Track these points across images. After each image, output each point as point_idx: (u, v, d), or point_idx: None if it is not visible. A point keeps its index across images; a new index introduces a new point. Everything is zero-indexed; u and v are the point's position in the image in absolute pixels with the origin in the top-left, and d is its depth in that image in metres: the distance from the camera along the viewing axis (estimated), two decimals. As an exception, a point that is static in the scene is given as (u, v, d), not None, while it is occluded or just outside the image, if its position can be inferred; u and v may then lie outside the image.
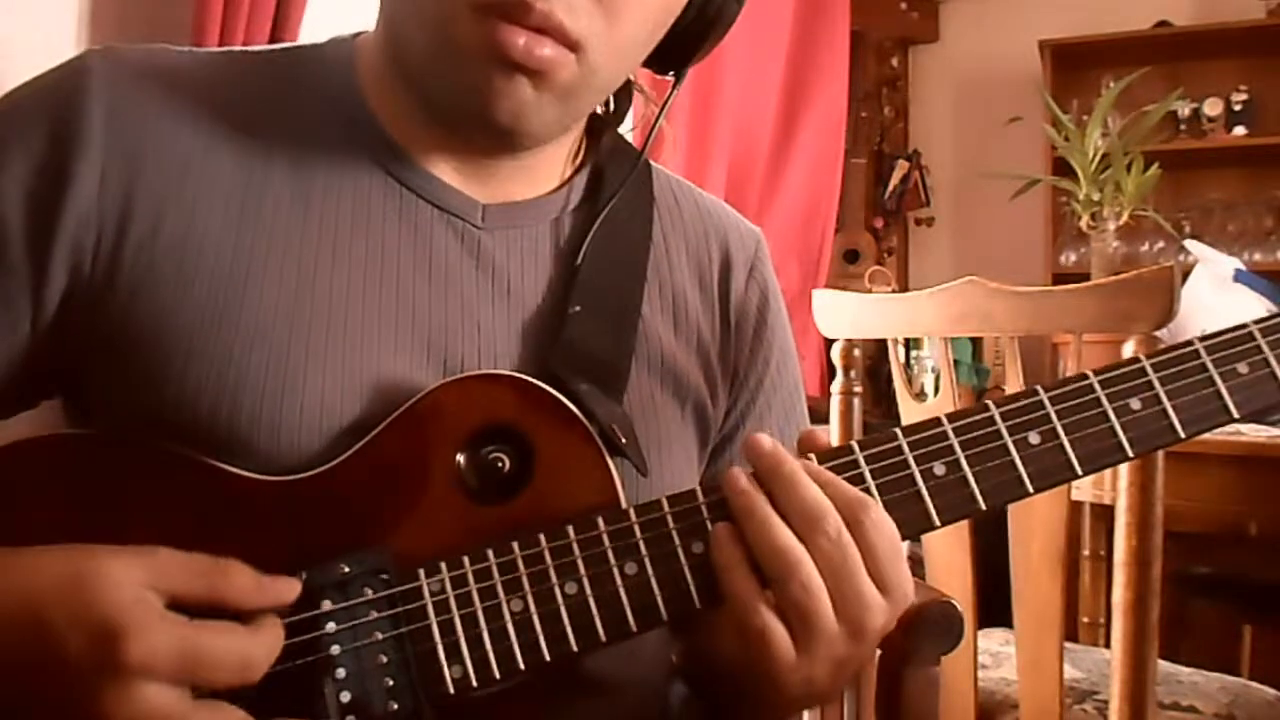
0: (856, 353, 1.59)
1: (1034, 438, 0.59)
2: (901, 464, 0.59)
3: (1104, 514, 1.82)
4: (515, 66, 0.59)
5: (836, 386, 1.60)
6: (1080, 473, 0.59)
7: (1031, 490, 0.59)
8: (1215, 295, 2.08)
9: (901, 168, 3.64)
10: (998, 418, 0.59)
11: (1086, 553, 1.94)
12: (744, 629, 0.55)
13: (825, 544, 0.55)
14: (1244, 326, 0.61)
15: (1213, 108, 3.31)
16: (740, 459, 0.75)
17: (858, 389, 1.59)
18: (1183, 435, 0.60)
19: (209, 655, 0.50)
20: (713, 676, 0.71)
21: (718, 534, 0.57)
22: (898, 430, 0.59)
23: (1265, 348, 0.61)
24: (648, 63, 0.73)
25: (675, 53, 0.71)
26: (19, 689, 0.50)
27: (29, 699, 0.50)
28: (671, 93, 0.74)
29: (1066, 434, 0.59)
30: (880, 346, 2.67)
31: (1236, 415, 0.60)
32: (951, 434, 0.59)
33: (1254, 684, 1.55)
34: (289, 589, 0.54)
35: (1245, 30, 3.28)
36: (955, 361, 2.00)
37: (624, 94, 0.77)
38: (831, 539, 0.55)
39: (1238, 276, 2.12)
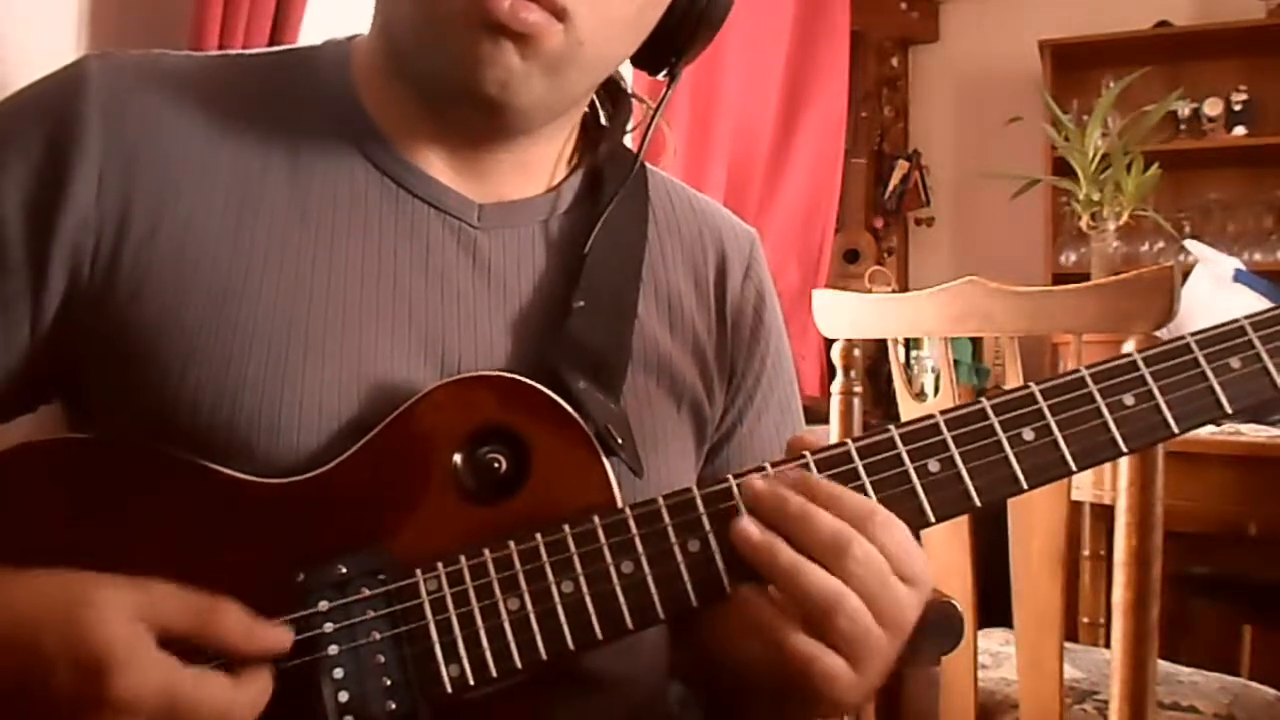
0: (856, 353, 1.58)
1: (1028, 434, 0.59)
2: (896, 461, 0.59)
3: (1104, 514, 1.82)
4: (501, 30, 0.59)
5: (836, 386, 1.59)
6: (1075, 468, 0.59)
7: (1026, 486, 0.59)
8: (1215, 295, 2.08)
9: (901, 168, 3.64)
10: (991, 414, 0.59)
11: (1086, 553, 1.94)
12: (809, 676, 0.55)
13: (856, 568, 0.55)
14: (1236, 322, 0.61)
15: (1213, 108, 3.31)
16: (737, 460, 0.75)
17: (858, 389, 1.59)
18: (1176, 430, 0.60)
19: (193, 701, 0.50)
20: (728, 683, 0.71)
21: (747, 598, 0.56)
22: (892, 427, 0.59)
23: (1257, 343, 0.61)
24: (641, 63, 0.73)
25: (667, 49, 0.71)
26: (5, 713, 0.50)
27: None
28: (667, 92, 0.74)
29: (1060, 430, 0.59)
30: (880, 346, 2.67)
31: (1229, 410, 0.60)
32: (945, 431, 0.59)
33: (1254, 684, 1.55)
34: (281, 638, 0.54)
35: (1245, 30, 3.28)
36: (955, 361, 2.00)
37: (622, 102, 0.77)
38: (860, 561, 0.55)
39: (1238, 276, 2.11)
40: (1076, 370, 0.60)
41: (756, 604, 0.56)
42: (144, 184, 0.62)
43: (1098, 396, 0.60)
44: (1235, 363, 0.60)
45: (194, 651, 0.52)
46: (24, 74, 0.66)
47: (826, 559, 0.55)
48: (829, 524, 0.55)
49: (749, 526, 0.56)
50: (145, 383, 0.60)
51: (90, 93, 0.62)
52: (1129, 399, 0.60)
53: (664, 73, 0.74)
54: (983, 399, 0.60)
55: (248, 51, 0.73)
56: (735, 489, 0.58)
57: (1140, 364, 0.60)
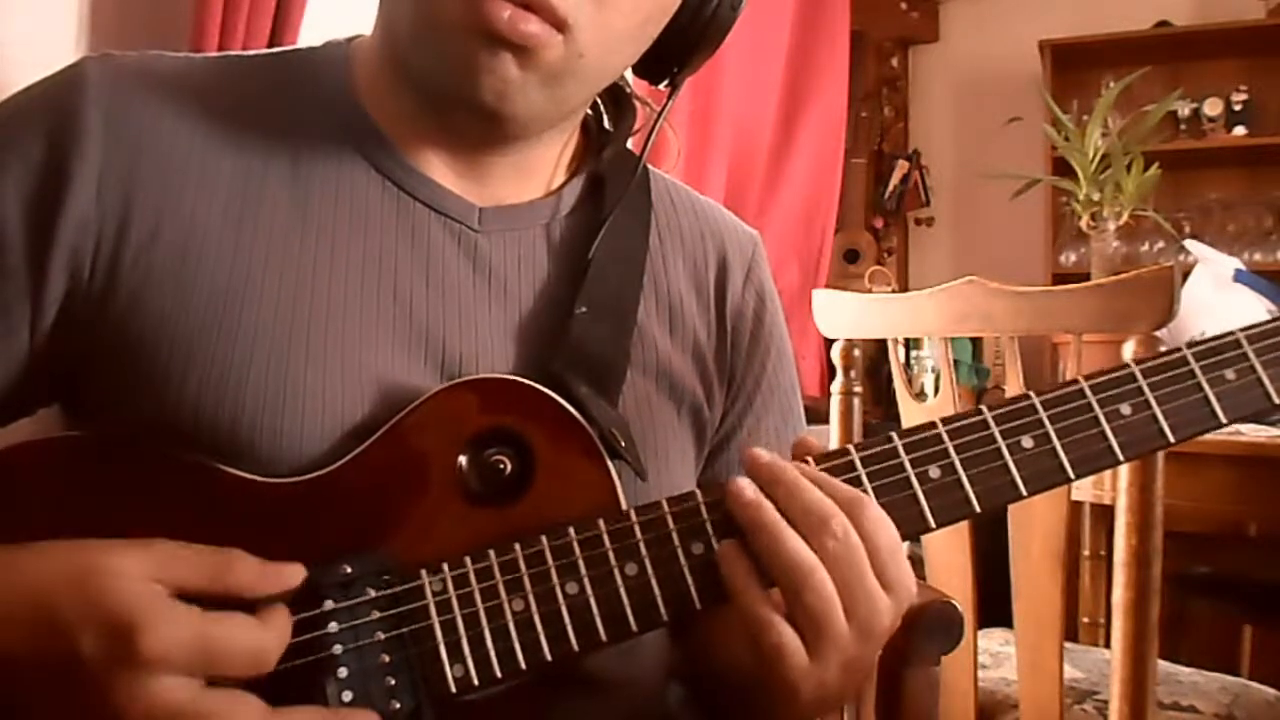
0: (856, 353, 1.59)
1: (1027, 441, 0.60)
2: (897, 467, 0.59)
3: (1104, 514, 1.82)
4: (500, 41, 0.59)
5: (836, 386, 1.60)
6: (1073, 476, 0.60)
7: (1025, 493, 0.59)
8: (1215, 295, 2.08)
9: (901, 168, 3.64)
10: (991, 422, 0.60)
11: (1086, 553, 1.94)
12: (759, 645, 0.55)
13: (833, 544, 0.55)
14: (1231, 334, 0.62)
15: (1213, 108, 3.31)
16: (738, 464, 0.75)
17: (858, 389, 1.59)
18: (1172, 440, 0.61)
19: (222, 646, 0.51)
20: (718, 682, 0.71)
21: (725, 552, 0.57)
22: (893, 434, 0.60)
23: (1252, 355, 0.62)
24: (642, 72, 0.73)
25: (669, 60, 0.71)
26: (33, 685, 0.50)
27: (43, 695, 0.50)
28: (667, 103, 0.74)
29: (1059, 438, 0.60)
30: (880, 346, 2.67)
31: (1224, 421, 0.61)
32: (946, 437, 0.59)
33: (1254, 684, 1.56)
34: (293, 575, 0.55)
35: (1245, 30, 3.28)
36: (955, 361, 2.00)
37: (626, 106, 0.77)
38: (839, 539, 0.55)
39: (1238, 276, 2.11)
40: (1075, 380, 0.61)
41: (733, 563, 0.56)
42: (144, 186, 0.62)
43: (1095, 406, 0.60)
44: (1230, 374, 0.61)
45: (211, 602, 0.52)
46: (24, 74, 0.66)
47: (806, 528, 0.55)
48: (817, 497, 0.56)
49: (744, 483, 0.57)
50: (146, 385, 0.60)
51: (90, 94, 0.62)
52: (1126, 409, 0.61)
53: (665, 82, 0.74)
54: (983, 407, 0.60)
55: (246, 53, 0.73)
56: None
57: (1137, 374, 0.61)
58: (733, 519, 0.57)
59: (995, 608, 1.41)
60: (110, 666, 0.49)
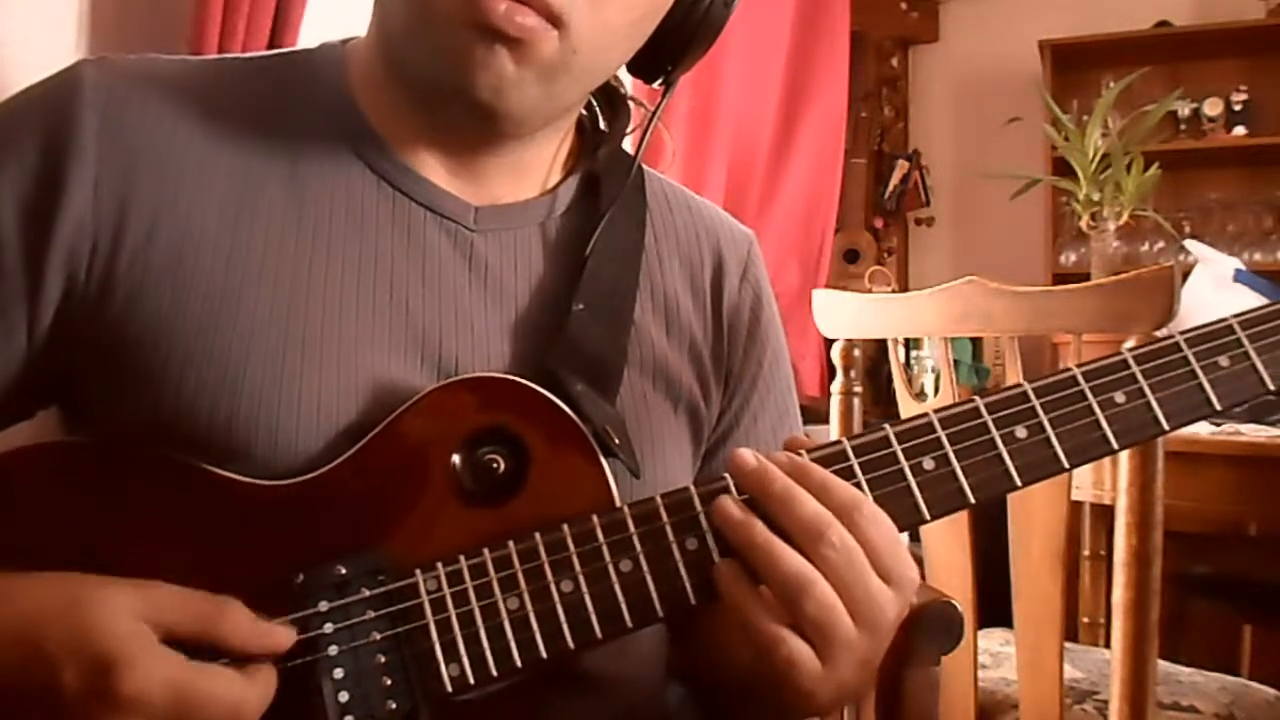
0: (856, 353, 1.59)
1: (1021, 432, 0.59)
2: (891, 459, 0.59)
3: (1104, 514, 1.82)
4: (495, 35, 0.59)
5: (836, 386, 1.60)
6: (1067, 465, 0.60)
7: (1020, 483, 0.59)
8: (1215, 295, 2.08)
9: (901, 168, 3.64)
10: (985, 412, 0.60)
11: (1086, 553, 1.94)
12: (770, 659, 0.55)
13: (831, 554, 0.55)
14: (1224, 321, 0.62)
15: (1213, 108, 3.32)
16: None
17: (858, 389, 1.59)
18: (1167, 427, 0.60)
19: (201, 696, 0.50)
20: (716, 680, 0.71)
21: (723, 573, 0.56)
22: (886, 426, 0.60)
23: (1245, 341, 0.62)
24: (636, 70, 0.73)
25: (663, 58, 0.71)
26: (12, 711, 0.50)
27: None
28: (662, 101, 0.74)
29: (1053, 428, 0.60)
30: (880, 346, 2.67)
31: (1219, 407, 0.61)
32: (940, 429, 0.59)
33: (1254, 684, 1.55)
34: (284, 636, 0.54)
35: (1245, 30, 3.29)
36: (955, 361, 2.00)
37: (621, 107, 0.77)
38: (837, 548, 0.55)
39: (1238, 276, 2.11)
40: (1068, 369, 0.61)
41: (733, 584, 0.56)
42: (141, 188, 0.62)
43: (1089, 395, 0.60)
44: (1224, 361, 0.61)
45: (199, 650, 0.52)
46: (24, 74, 0.66)
47: (802, 542, 0.55)
48: (809, 507, 0.56)
49: (729, 504, 0.57)
50: (143, 386, 0.60)
51: (86, 97, 0.62)
52: (1120, 397, 0.60)
53: (659, 81, 0.74)
54: (976, 398, 0.60)
55: (243, 55, 0.73)
56: (732, 487, 0.58)
57: (1131, 362, 0.61)
58: (716, 522, 0.57)
59: (995, 608, 1.41)
60: (88, 701, 0.49)
